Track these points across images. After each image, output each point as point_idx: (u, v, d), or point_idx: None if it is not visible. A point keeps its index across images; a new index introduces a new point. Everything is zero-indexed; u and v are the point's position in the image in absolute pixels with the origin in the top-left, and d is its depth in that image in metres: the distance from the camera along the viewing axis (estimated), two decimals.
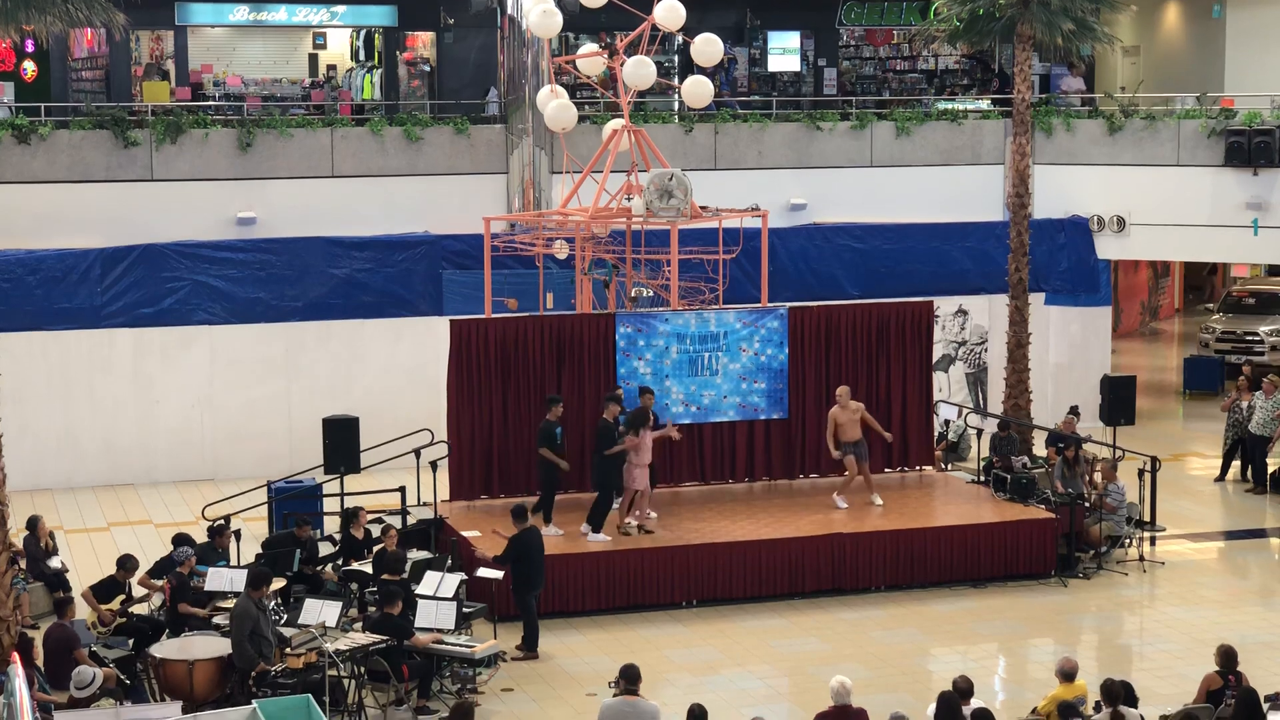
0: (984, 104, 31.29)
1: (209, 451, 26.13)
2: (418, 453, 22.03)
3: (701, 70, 26.86)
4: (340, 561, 19.46)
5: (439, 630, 16.89)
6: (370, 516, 20.14)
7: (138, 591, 18.06)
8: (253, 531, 21.21)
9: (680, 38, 28.64)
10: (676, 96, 28.88)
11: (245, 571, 17.15)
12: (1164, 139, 28.98)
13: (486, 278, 23.33)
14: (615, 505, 20.48)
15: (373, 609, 17.44)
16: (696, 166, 27.32)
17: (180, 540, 18.35)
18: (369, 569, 18.70)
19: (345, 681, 16.10)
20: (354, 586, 18.87)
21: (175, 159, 26.53)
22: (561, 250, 24.78)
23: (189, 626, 17.07)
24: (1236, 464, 25.94)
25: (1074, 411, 24.42)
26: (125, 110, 26.82)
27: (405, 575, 17.90)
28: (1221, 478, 26.02)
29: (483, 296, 23.52)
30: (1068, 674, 14.66)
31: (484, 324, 22.16)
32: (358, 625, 17.17)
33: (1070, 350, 29.63)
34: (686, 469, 22.74)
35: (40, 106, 26.87)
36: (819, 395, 22.89)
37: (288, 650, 15.91)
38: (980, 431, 24.46)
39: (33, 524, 19.63)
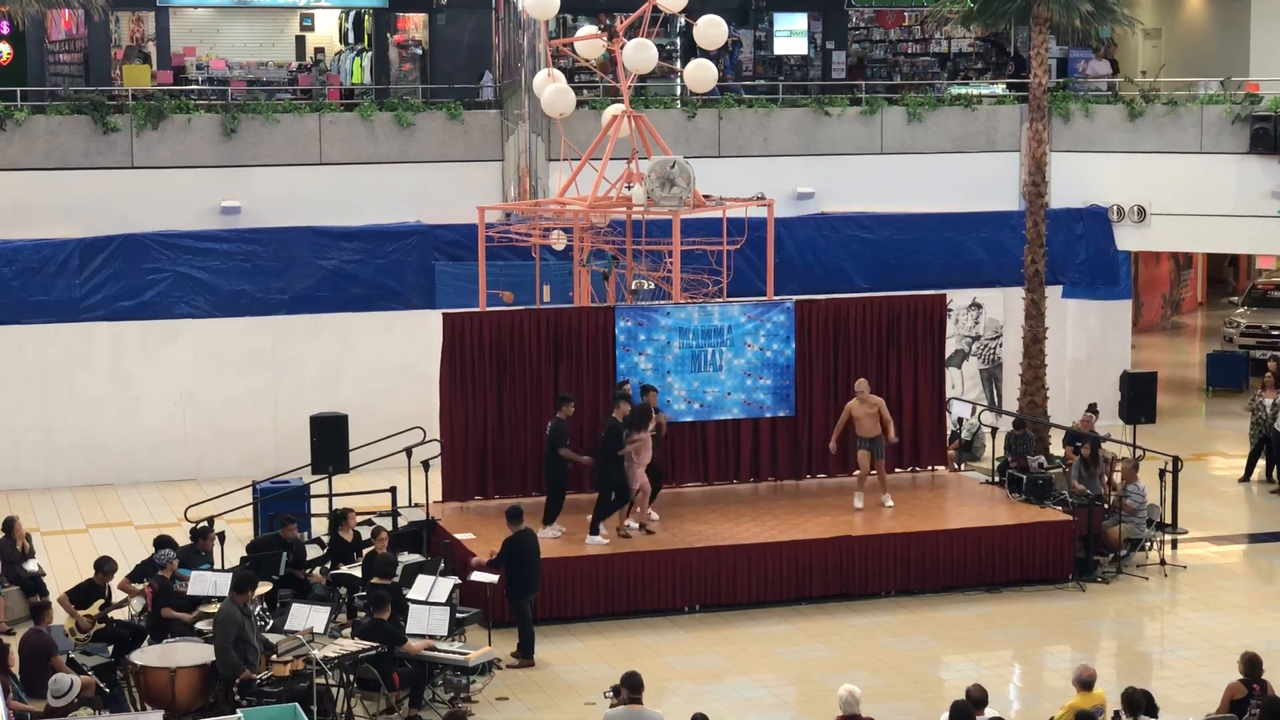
0: (999, 88, 31.28)
1: (192, 450, 26.13)
2: (409, 452, 22.03)
3: (705, 53, 26.84)
4: (328, 565, 19.45)
5: (431, 636, 16.89)
6: (360, 518, 20.14)
7: (117, 596, 18.06)
8: (237, 534, 21.20)
9: (683, 19, 28.64)
10: (679, 81, 28.87)
11: (229, 575, 17.15)
12: (1186, 125, 28.96)
13: (481, 269, 23.33)
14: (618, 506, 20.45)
15: (362, 614, 17.45)
16: (699, 154, 27.31)
17: (162, 543, 18.35)
18: (358, 573, 18.71)
19: (334, 690, 16.11)
20: (343, 591, 18.86)
21: (156, 145, 26.52)
22: (559, 241, 24.76)
23: (171, 632, 17.07)
24: (1261, 464, 25.94)
25: (1092, 409, 24.40)
26: (104, 95, 26.81)
27: (396, 579, 17.90)
28: (1246, 478, 26.02)
29: (477, 289, 23.51)
30: (1085, 683, 14.66)
31: (478, 318, 22.15)
32: (347, 631, 17.17)
33: (1089, 345, 29.62)
34: (689, 469, 22.75)
35: (16, 91, 26.85)
36: (827, 392, 22.90)
37: (274, 657, 15.92)
38: (995, 430, 24.45)
39: (9, 525, 19.63)
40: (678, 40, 31.93)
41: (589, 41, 24.81)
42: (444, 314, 22.24)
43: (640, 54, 22.76)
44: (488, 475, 22.04)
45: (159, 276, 25.93)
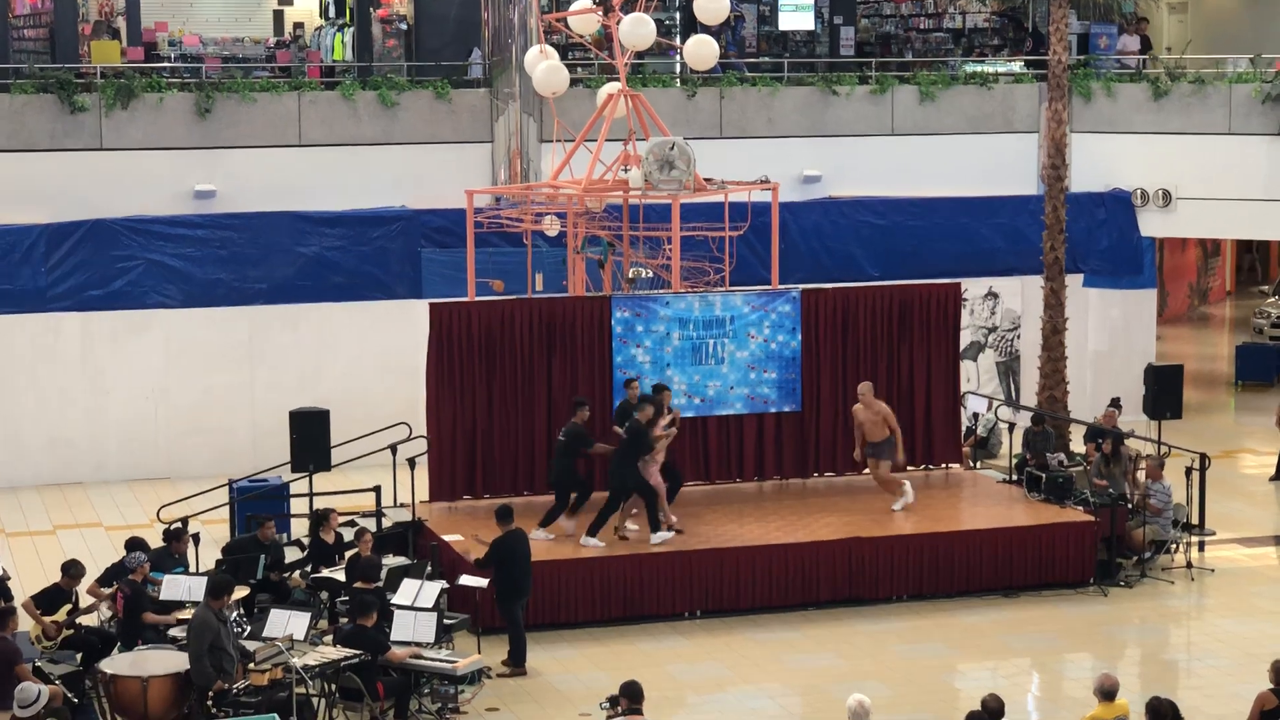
0: (1016, 66, 31.26)
1: (164, 447, 26.12)
2: (394, 449, 22.01)
3: (706, 29, 26.79)
4: (309, 568, 19.44)
5: (417, 644, 16.88)
6: (342, 519, 20.13)
7: (86, 601, 18.04)
8: (213, 535, 21.19)
9: None
10: (678, 58, 28.83)
11: (204, 579, 17.14)
12: (1214, 105, 28.94)
13: (469, 257, 23.31)
14: (620, 505, 20.44)
15: (345, 620, 17.43)
16: (700, 135, 27.29)
17: (133, 545, 18.32)
18: (340, 576, 18.69)
19: (314, 700, 16.09)
20: (324, 596, 18.85)
21: (127, 126, 26.49)
22: (552, 227, 24.74)
23: (143, 640, 17.05)
24: None
25: (1115, 404, 24.40)
26: (72, 72, 26.78)
27: (380, 583, 17.88)
28: (1277, 476, 26.03)
29: (465, 277, 23.50)
30: (1108, 692, 14.64)
31: (467, 308, 22.14)
32: (328, 638, 17.16)
33: (1111, 337, 29.62)
34: (690, 467, 22.72)
35: None
36: (835, 386, 22.89)
37: (251, 666, 15.90)
38: (1012, 426, 24.45)
39: None
40: (677, 15, 31.89)
41: (583, 16, 24.75)
42: (431, 304, 22.22)
43: (638, 29, 22.74)
44: (477, 474, 22.03)
45: (129, 265, 25.91)
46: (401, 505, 21.87)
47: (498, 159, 27.65)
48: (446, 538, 20.23)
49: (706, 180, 22.94)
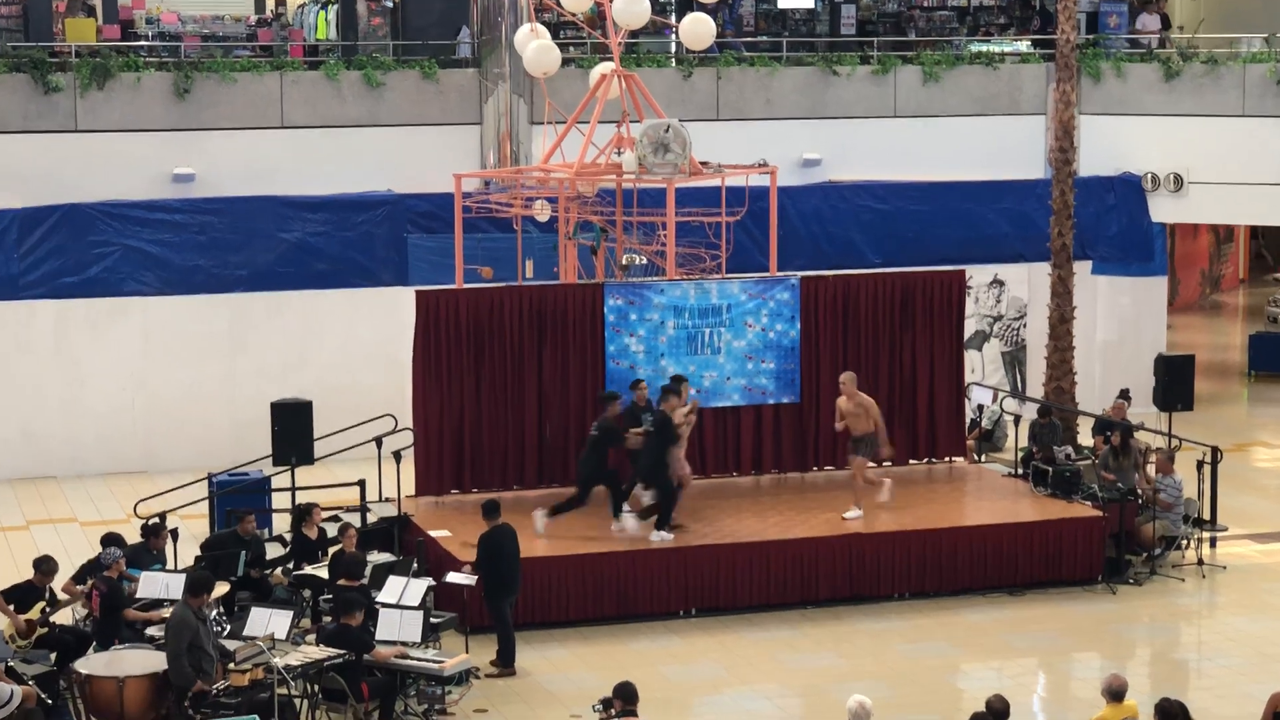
0: (1023, 45, 31.25)
1: (142, 440, 26.11)
2: (379, 441, 22.00)
3: (702, 7, 26.78)
4: (291, 565, 19.44)
5: (403, 643, 16.89)
6: (325, 514, 20.12)
7: (60, 598, 18.03)
8: (191, 531, 21.20)
9: None
10: (673, 37, 28.82)
11: (183, 576, 17.13)
12: (1227, 86, 28.95)
13: (458, 243, 23.30)
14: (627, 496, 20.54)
15: (328, 619, 17.43)
16: (696, 116, 27.29)
17: (109, 540, 18.30)
18: (324, 573, 18.70)
19: (297, 701, 16.10)
20: (306, 593, 18.85)
21: (103, 107, 26.46)
22: (543, 212, 24.74)
23: (119, 639, 17.05)
24: None
25: (1124, 395, 24.43)
26: (45, 51, 26.75)
27: (365, 580, 17.89)
28: None
29: (453, 264, 23.50)
30: (1116, 693, 14.67)
31: (454, 295, 22.13)
32: (311, 637, 17.16)
33: (1120, 326, 29.64)
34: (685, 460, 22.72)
35: None
36: (834, 376, 22.83)
37: (231, 666, 15.90)
38: (1018, 418, 24.47)
39: None
40: None
41: None
42: (417, 291, 22.21)
43: (632, 7, 22.71)
44: (465, 467, 22.04)
45: (106, 250, 25.90)
46: (387, 500, 21.86)
47: (487, 141, 27.64)
48: (433, 533, 20.25)
49: (702, 164, 22.93)
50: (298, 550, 19.55)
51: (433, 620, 17.64)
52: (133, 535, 19.22)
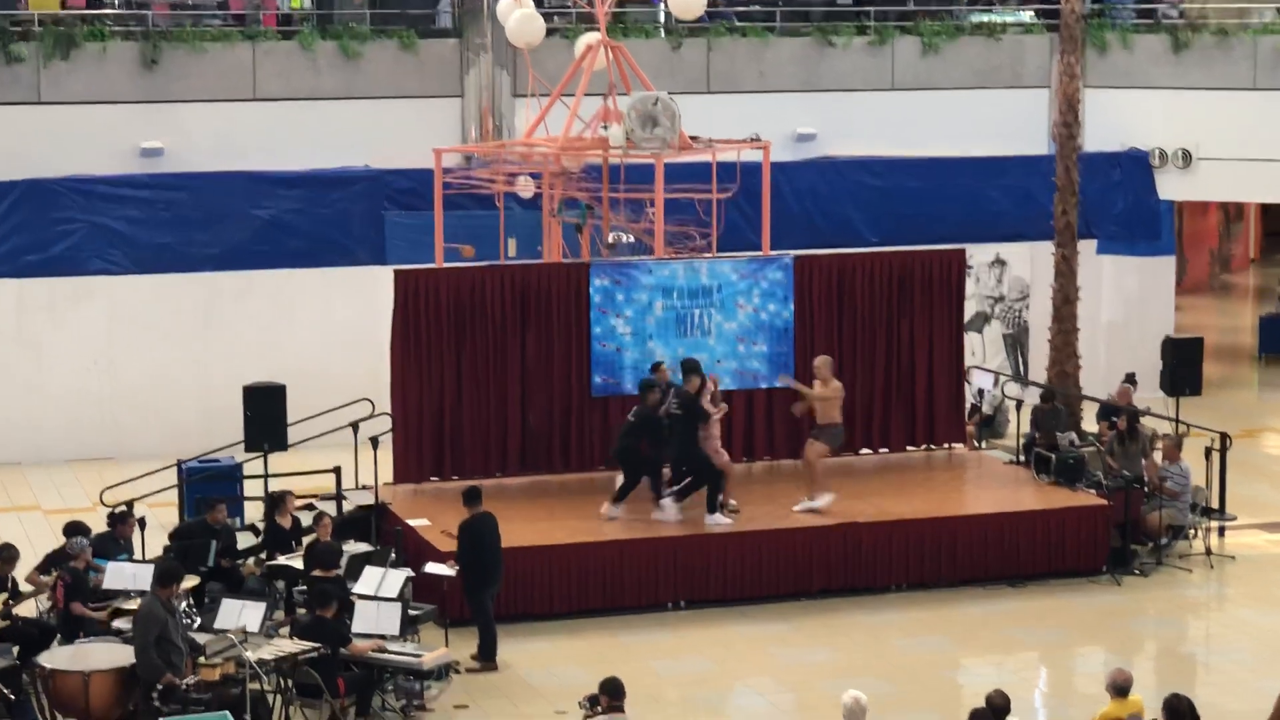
0: (1026, 15, 31.24)
1: (108, 425, 26.07)
2: (356, 427, 22.01)
3: None
4: (264, 555, 19.43)
5: (380, 636, 16.88)
6: (300, 502, 20.12)
7: (24, 589, 18.01)
8: (160, 520, 21.17)
9: None
10: (662, 6, 28.77)
11: (151, 567, 17.11)
12: (1238, 58, 28.95)
13: (437, 220, 23.26)
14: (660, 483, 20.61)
15: (302, 611, 17.42)
16: (686, 89, 27.22)
17: (73, 530, 18.30)
18: (298, 564, 18.69)
19: (270, 697, 16.09)
20: (280, 585, 18.84)
21: (67, 78, 26.39)
22: (526, 188, 24.71)
23: (84, 632, 17.04)
24: None
25: (1130, 379, 24.44)
26: (7, 20, 26.65)
27: (340, 571, 17.88)
28: None
29: (432, 242, 23.46)
30: (1121, 688, 14.68)
31: (434, 275, 22.11)
32: (284, 630, 17.15)
33: (1126, 307, 29.66)
34: None
35: None
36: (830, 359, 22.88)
37: (201, 660, 15.88)
38: (1020, 403, 24.48)
39: None
40: None
41: None
42: (395, 271, 22.19)
43: None
44: (445, 454, 22.02)
45: (70, 228, 25.84)
46: (363, 487, 21.86)
47: (468, 115, 27.59)
48: (412, 522, 20.23)
49: (692, 138, 22.91)
50: (271, 540, 19.54)
51: (411, 612, 17.64)
52: (98, 524, 19.19)
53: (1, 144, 26.00)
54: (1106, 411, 23.69)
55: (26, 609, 18.05)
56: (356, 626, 16.89)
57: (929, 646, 18.98)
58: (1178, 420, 23.37)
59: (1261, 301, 37.67)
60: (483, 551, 18.17)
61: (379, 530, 20.49)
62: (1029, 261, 28.90)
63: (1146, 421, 23.16)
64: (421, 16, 28.64)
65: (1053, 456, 22.18)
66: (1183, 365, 23.73)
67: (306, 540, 19.12)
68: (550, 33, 25.35)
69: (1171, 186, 29.57)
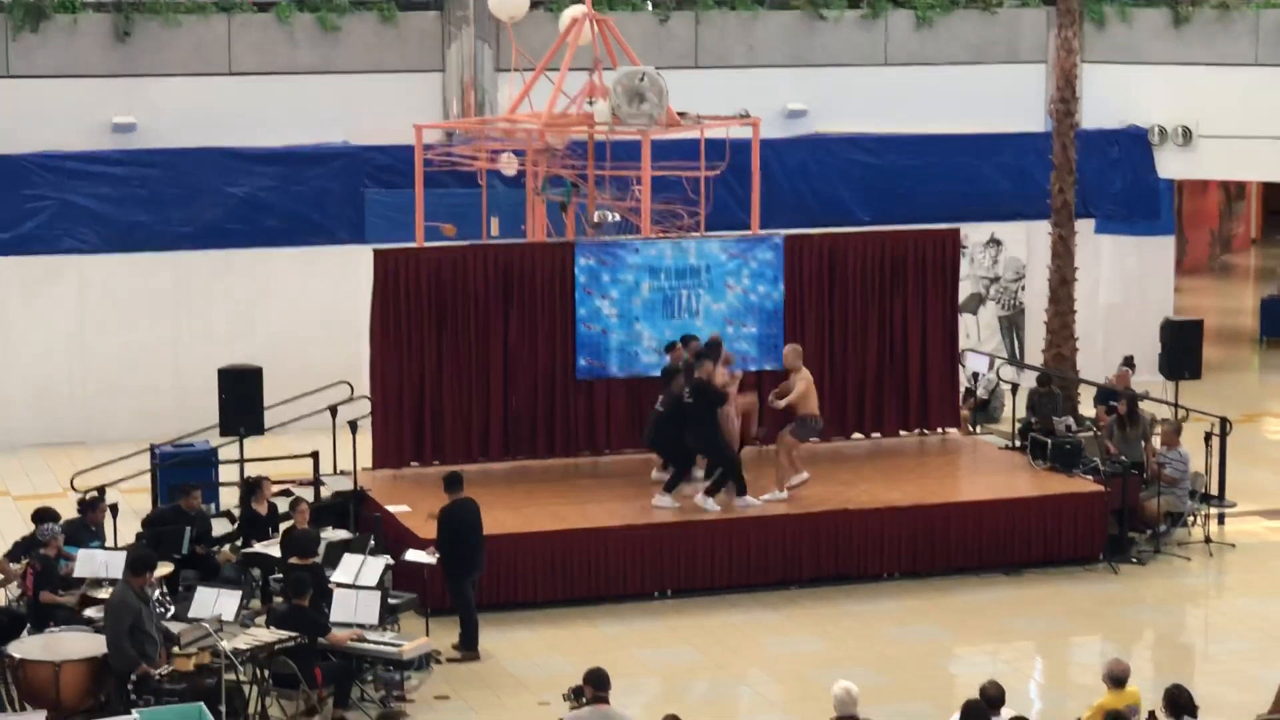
0: None
1: (79, 409, 26.05)
2: (334, 410, 22.00)
3: None
4: (239, 542, 19.44)
5: (359, 625, 16.89)
6: (276, 488, 20.11)
7: None
8: (133, 505, 21.15)
9: None
10: None
11: (124, 554, 17.10)
12: (1240, 32, 28.97)
13: (418, 198, 23.24)
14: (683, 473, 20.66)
15: (279, 600, 17.42)
16: (673, 64, 27.22)
17: (42, 516, 18.27)
18: (274, 551, 18.69)
19: (245, 687, 16.09)
20: (256, 572, 18.85)
21: (36, 51, 26.33)
22: (509, 165, 24.68)
23: (55, 620, 17.03)
24: None
25: (1128, 363, 24.48)
26: None
27: (318, 559, 17.88)
28: None
29: (413, 221, 23.44)
30: (1118, 678, 14.72)
31: (415, 255, 22.09)
32: (261, 619, 17.15)
33: (1125, 289, 29.69)
34: None
35: None
36: (820, 341, 22.91)
37: (175, 650, 15.88)
38: (1016, 387, 24.51)
39: None
40: None
41: None
42: (375, 250, 22.16)
43: None
44: (425, 438, 22.02)
45: (40, 205, 25.80)
46: (342, 473, 21.85)
47: (449, 90, 27.55)
48: (391, 508, 20.23)
49: (680, 114, 22.89)
50: (246, 526, 19.54)
51: (391, 601, 17.65)
52: (69, 510, 19.18)
53: None
54: (1104, 395, 23.72)
55: None
56: (335, 615, 16.89)
57: (922, 636, 19.01)
58: (1177, 404, 23.40)
59: (1263, 283, 37.71)
60: (464, 538, 18.17)
61: (358, 517, 20.49)
62: (1025, 241, 28.92)
63: (1144, 406, 23.18)
64: None
65: (1049, 442, 22.20)
66: (1182, 348, 23.75)
67: (283, 527, 19.12)
68: (534, 5, 25.33)
69: (1171, 164, 29.60)
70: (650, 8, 28.87)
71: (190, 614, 16.63)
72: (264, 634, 16.42)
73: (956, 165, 28.82)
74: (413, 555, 18.42)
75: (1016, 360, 27.97)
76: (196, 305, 26.36)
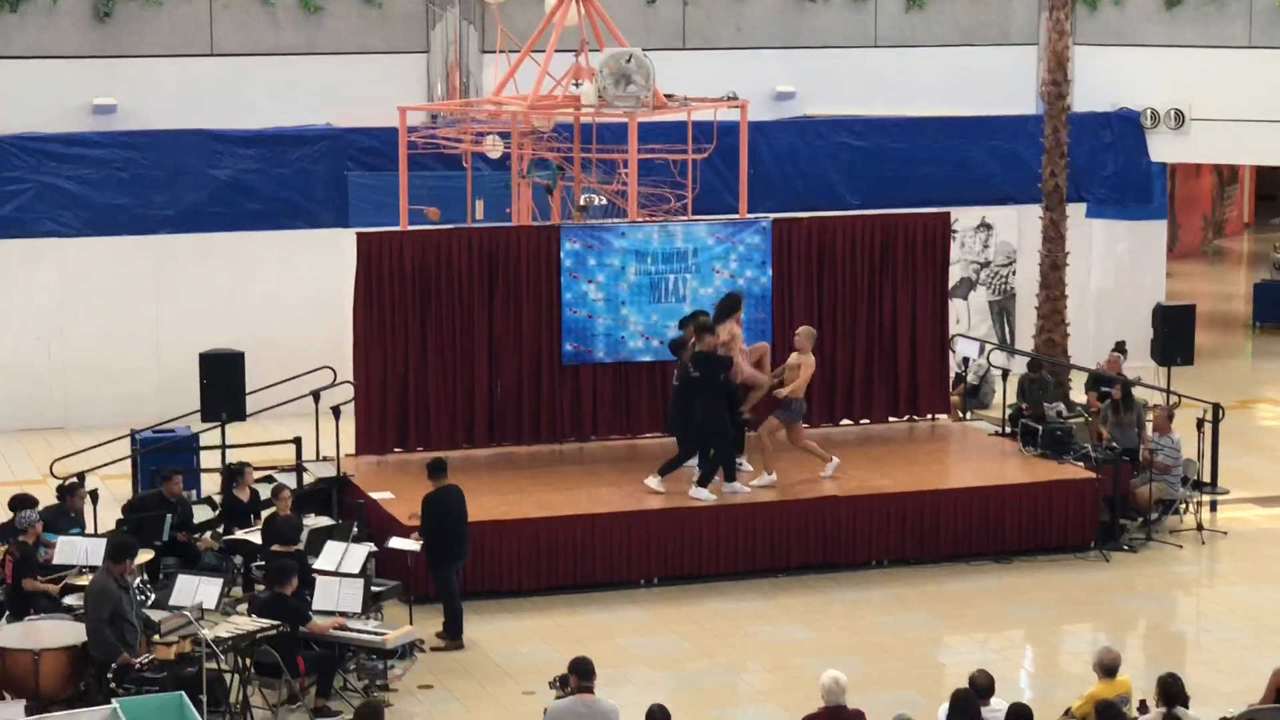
0: None
1: (58, 394, 26.01)
2: (317, 396, 21.98)
3: None
4: (221, 529, 19.41)
5: (342, 614, 16.87)
6: (258, 474, 20.08)
7: None
8: (113, 492, 21.13)
9: None
10: None
11: (103, 541, 17.08)
12: (1233, 14, 28.96)
13: (402, 181, 23.21)
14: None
15: (261, 587, 17.40)
16: (661, 46, 27.21)
17: (22, 502, 18.24)
18: (256, 538, 18.67)
19: (227, 676, 16.07)
20: (238, 560, 18.83)
21: (15, 31, 26.27)
22: (494, 148, 24.64)
23: (34, 608, 17.00)
24: None
25: (1120, 348, 24.49)
26: None
27: (301, 546, 17.86)
28: None
29: (397, 204, 23.41)
30: (1109, 668, 14.73)
31: (398, 238, 22.05)
32: (242, 607, 17.13)
33: (1116, 274, 29.70)
34: (647, 417, 22.73)
35: None
36: (810, 326, 22.85)
37: (156, 638, 15.86)
38: (1006, 372, 24.51)
39: None
40: None
41: None
42: (358, 233, 22.13)
43: None
44: (409, 424, 21.99)
45: (19, 188, 25.75)
46: (325, 459, 21.83)
47: (434, 72, 27.50)
48: (375, 495, 20.21)
49: (667, 97, 22.86)
50: (228, 513, 19.53)
51: (374, 589, 17.62)
52: (48, 496, 19.15)
53: None
54: (1095, 381, 23.73)
55: None
56: (317, 604, 16.88)
57: (911, 624, 19.01)
58: (1169, 391, 23.41)
59: (1256, 267, 37.74)
60: (448, 526, 18.15)
61: (341, 504, 20.48)
62: (1016, 225, 28.92)
63: (1136, 392, 23.19)
64: None
65: (1040, 428, 22.20)
66: (1174, 334, 23.76)
67: (265, 514, 19.10)
68: None
69: (1164, 148, 29.59)
70: None
71: (171, 602, 16.61)
72: (246, 622, 16.40)
73: (947, 148, 28.81)
74: (396, 543, 18.39)
75: (1007, 346, 27.98)
76: (178, 289, 26.32)
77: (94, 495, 19.40)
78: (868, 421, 23.52)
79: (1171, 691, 13.97)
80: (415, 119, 25.37)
